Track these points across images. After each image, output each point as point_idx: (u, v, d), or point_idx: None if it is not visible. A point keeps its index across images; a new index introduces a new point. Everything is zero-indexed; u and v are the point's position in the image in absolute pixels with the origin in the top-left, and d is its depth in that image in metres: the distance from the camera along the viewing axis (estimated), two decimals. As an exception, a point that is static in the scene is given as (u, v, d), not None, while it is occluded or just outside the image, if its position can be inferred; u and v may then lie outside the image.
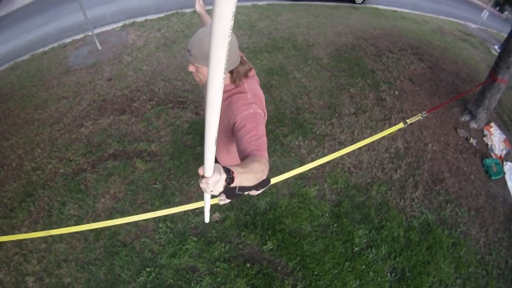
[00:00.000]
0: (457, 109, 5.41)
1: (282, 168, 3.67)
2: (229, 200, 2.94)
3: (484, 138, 5.09)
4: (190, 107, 4.57)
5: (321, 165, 3.78)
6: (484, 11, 10.72)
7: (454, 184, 4.13)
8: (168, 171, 3.66)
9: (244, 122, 1.34)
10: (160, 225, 3.12)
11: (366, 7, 10.41)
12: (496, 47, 10.08)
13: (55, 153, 4.05)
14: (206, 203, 1.38)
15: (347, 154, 4.00)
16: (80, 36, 7.36)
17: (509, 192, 4.47)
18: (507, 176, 4.67)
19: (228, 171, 1.01)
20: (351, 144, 3.64)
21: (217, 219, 3.21)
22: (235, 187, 1.90)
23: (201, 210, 3.22)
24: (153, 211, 3.10)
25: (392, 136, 4.47)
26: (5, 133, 4.61)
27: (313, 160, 3.53)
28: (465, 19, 12.25)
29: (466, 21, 11.94)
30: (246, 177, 1.09)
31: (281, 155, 3.90)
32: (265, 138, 1.33)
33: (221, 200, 2.74)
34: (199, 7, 2.11)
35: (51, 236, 3.03)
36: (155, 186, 3.49)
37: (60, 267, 2.86)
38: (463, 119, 5.26)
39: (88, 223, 3.14)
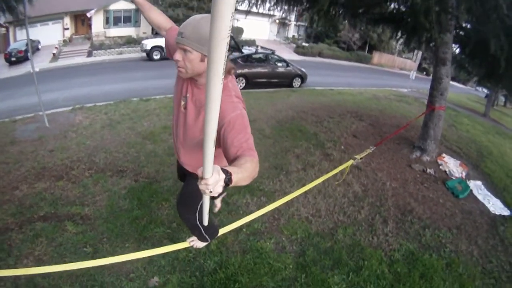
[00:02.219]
0: (406, 149, 5.22)
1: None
2: (204, 243, 2.41)
3: (440, 167, 4.87)
4: (130, 175, 4.05)
5: (274, 218, 3.21)
6: (412, 71, 11.61)
7: (424, 211, 3.71)
8: (101, 234, 2.95)
9: (232, 124, 1.23)
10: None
11: (304, 89, 11.04)
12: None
13: None
14: (205, 205, 1.26)
15: (302, 204, 3.51)
16: (31, 115, 6.97)
17: (483, 204, 4.21)
18: (475, 192, 4.43)
19: (226, 172, 0.95)
20: (303, 196, 3.14)
21: (156, 284, 2.39)
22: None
23: (136, 275, 2.48)
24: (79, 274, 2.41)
25: (347, 182, 4.05)
26: None
27: (262, 211, 2.89)
28: (396, 86, 13.18)
29: (398, 88, 12.83)
30: (242, 177, 1.04)
31: (228, 213, 3.29)
32: (252, 138, 1.25)
33: (192, 242, 2.35)
34: None
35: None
36: (85, 249, 2.75)
37: None
38: (414, 156, 5.03)
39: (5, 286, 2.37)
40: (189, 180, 1.85)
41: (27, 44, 17.27)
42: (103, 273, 2.48)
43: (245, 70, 10.31)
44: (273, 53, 11.58)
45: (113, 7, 21.70)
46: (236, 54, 10.77)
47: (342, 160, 4.70)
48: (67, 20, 21.76)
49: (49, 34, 20.79)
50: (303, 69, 11.64)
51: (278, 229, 3.08)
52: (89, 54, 18.31)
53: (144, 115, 6.66)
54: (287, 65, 11.33)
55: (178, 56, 1.27)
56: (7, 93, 10.65)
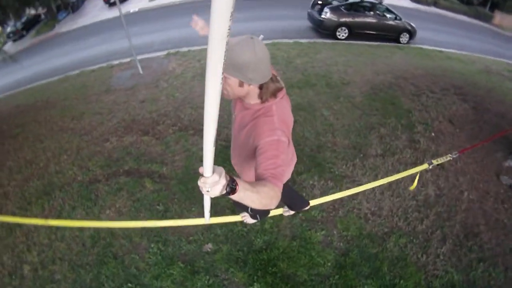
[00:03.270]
0: (501, 153, 4.61)
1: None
2: (254, 220, 2.84)
3: None
4: None
5: (333, 208, 3.30)
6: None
7: (490, 239, 3.32)
8: (173, 194, 3.49)
9: (265, 148, 1.25)
10: (152, 245, 2.92)
11: (411, 47, 9.95)
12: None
13: (78, 161, 4.23)
14: (206, 202, 1.28)
15: (366, 198, 3.47)
16: (127, 60, 7.80)
17: None
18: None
19: (232, 180, 0.98)
20: (372, 183, 3.10)
21: (209, 250, 2.87)
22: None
23: (194, 238, 2.97)
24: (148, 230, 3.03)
25: (422, 182, 3.82)
26: (41, 136, 5.11)
27: (325, 198, 3.03)
28: (515, 59, 11.11)
29: (516, 61, 10.84)
30: (249, 196, 1.03)
31: (291, 192, 3.50)
32: (284, 168, 1.24)
33: (244, 217, 2.74)
34: (201, 31, 1.91)
35: (55, 234, 3.14)
36: (158, 207, 3.33)
37: (54, 264, 2.90)
38: (507, 164, 4.46)
39: (89, 231, 3.13)
40: None
41: None
42: (167, 231, 3.04)
43: (348, 19, 9.78)
44: (380, 2, 10.71)
45: None
46: (339, 0, 10.22)
47: (427, 152, 4.38)
48: None
49: None
50: (412, 24, 10.61)
51: (333, 221, 3.20)
52: None
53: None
54: (396, 18, 10.45)
55: None
56: (105, 37, 11.74)
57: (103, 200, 3.50)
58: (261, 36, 1.28)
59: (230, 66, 1.21)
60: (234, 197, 1.01)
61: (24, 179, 4.12)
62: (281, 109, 1.39)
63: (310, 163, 3.91)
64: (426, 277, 2.82)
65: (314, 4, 10.73)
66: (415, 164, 4.14)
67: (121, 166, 3.99)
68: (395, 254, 2.96)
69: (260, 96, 1.33)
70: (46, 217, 3.41)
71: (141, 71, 6.89)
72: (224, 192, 0.97)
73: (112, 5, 17.76)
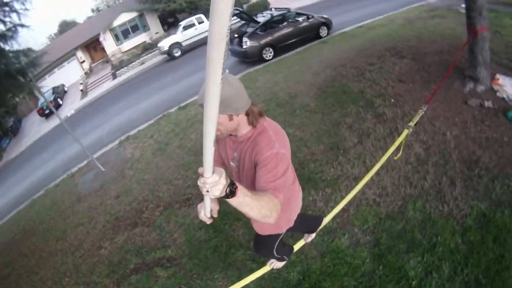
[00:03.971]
0: (457, 82, 4.91)
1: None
2: (283, 263, 2.71)
3: (497, 94, 4.52)
4: (196, 201, 4.40)
5: (343, 210, 3.31)
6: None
7: (491, 157, 3.50)
8: (190, 271, 3.38)
9: (265, 161, 1.31)
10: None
11: (334, 37, 10.49)
12: (463, 5, 9.80)
13: (81, 279, 4.03)
14: (206, 203, 1.26)
15: (367, 185, 3.53)
16: (85, 162, 7.71)
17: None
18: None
19: (232, 183, 1.01)
20: (366, 175, 3.18)
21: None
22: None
23: None
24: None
25: (407, 145, 3.95)
26: (34, 268, 4.79)
27: (333, 208, 3.04)
28: (424, -1, 11.95)
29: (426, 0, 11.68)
30: (249, 203, 1.07)
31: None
32: (284, 179, 1.29)
33: (272, 263, 2.66)
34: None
35: None
36: None
37: None
38: (467, 88, 4.73)
39: None
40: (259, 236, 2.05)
41: (53, 93, 18.70)
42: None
43: (268, 39, 10.21)
44: (288, 10, 11.28)
45: (116, 23, 22.53)
46: (252, 26, 10.71)
47: (396, 118, 4.61)
48: (80, 54, 22.98)
49: (69, 74, 22.36)
50: (325, 16, 11.21)
51: (350, 221, 3.23)
52: (114, 76, 19.41)
53: (188, 125, 7.02)
54: (308, 17, 10.96)
55: None
56: (54, 148, 11.57)
57: None
58: (227, 70, 1.41)
59: (225, 100, 1.26)
60: (233, 201, 1.04)
61: None
62: (271, 123, 1.49)
63: (301, 181, 3.89)
64: (457, 221, 2.89)
65: (231, 40, 11.13)
66: (391, 134, 4.35)
67: (126, 266, 3.83)
68: (419, 219, 3.03)
69: (250, 122, 1.44)
70: None
71: (102, 169, 6.80)
72: (224, 194, 0.99)
73: (48, 115, 18.02)
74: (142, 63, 19.16)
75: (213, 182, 0.94)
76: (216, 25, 0.57)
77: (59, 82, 21.24)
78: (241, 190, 1.04)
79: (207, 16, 16.80)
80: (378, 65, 6.43)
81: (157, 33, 23.18)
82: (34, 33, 6.24)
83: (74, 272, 4.22)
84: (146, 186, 5.35)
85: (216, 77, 0.66)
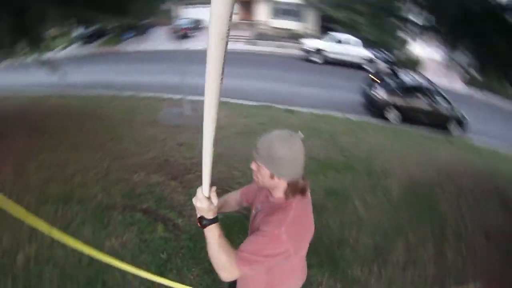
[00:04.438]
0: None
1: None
2: None
3: None
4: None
5: None
6: None
7: None
8: (180, 248, 3.61)
9: (261, 233, 1.27)
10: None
11: (460, 139, 9.82)
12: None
13: (102, 182, 4.64)
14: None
15: None
16: (179, 97, 8.41)
17: None
18: None
19: (216, 218, 1.19)
20: None
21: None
22: None
23: None
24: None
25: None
26: (77, 145, 5.75)
27: None
28: None
29: None
30: (214, 243, 1.17)
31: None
32: (262, 260, 1.23)
33: None
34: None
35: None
36: (161, 255, 3.48)
37: (47, 264, 3.16)
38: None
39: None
40: None
41: (192, 22, 20.44)
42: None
43: (399, 100, 9.95)
44: (432, 84, 10.66)
45: None
46: (395, 80, 10.44)
47: (452, 270, 4.12)
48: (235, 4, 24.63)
49: None
50: (464, 113, 10.39)
51: None
52: (251, 41, 20.58)
53: (282, 127, 7.10)
54: (447, 103, 10.28)
55: (253, 166, 1.39)
56: (166, 67, 12.45)
57: (113, 228, 3.75)
58: (301, 135, 1.38)
59: (266, 158, 1.31)
60: (205, 230, 1.19)
61: (48, 178, 4.60)
62: (301, 208, 1.39)
63: (326, 257, 3.85)
64: None
65: (368, 80, 11.06)
66: (435, 284, 3.90)
67: (141, 202, 4.25)
68: None
69: (286, 192, 1.38)
70: (55, 221, 3.74)
71: (188, 112, 7.52)
72: (203, 221, 1.17)
73: (183, 37, 19.70)
74: (280, 46, 19.77)
75: (201, 207, 1.15)
76: (216, 25, 0.58)
77: (203, 16, 22.77)
78: (215, 230, 1.18)
79: (364, 44, 16.58)
80: (478, 201, 5.75)
81: (310, 29, 23.46)
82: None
83: (102, 174, 4.93)
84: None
85: (216, 78, 0.68)
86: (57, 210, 3.96)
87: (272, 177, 1.33)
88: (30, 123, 7.15)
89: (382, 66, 16.56)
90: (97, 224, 3.80)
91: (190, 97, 8.11)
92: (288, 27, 23.31)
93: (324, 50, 17.01)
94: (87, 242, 3.42)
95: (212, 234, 1.18)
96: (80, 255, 3.25)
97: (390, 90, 10.03)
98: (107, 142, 5.91)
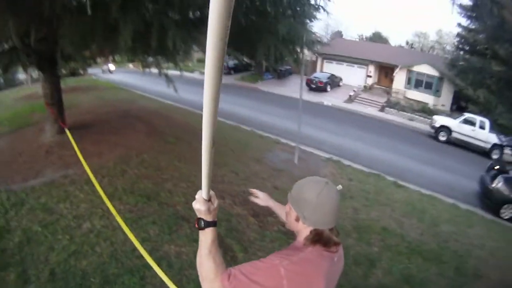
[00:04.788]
0: None
1: None
2: None
3: None
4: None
5: None
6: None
7: None
8: None
9: (262, 258, 1.19)
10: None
11: None
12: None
13: (188, 196, 4.83)
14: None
15: None
16: (293, 144, 8.62)
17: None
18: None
19: (214, 222, 1.14)
20: None
21: None
22: None
23: None
24: None
25: None
26: (183, 157, 6.51)
27: None
28: None
29: None
30: (205, 247, 1.13)
31: None
32: (244, 282, 1.09)
33: None
34: (262, 202, 1.92)
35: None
36: None
37: None
38: None
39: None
40: None
41: (328, 78, 21.48)
42: None
43: None
44: None
45: (416, 68, 22.45)
46: None
47: None
48: (371, 68, 24.62)
49: (353, 75, 24.64)
50: None
51: None
52: (382, 108, 20.00)
53: (381, 203, 6.42)
54: None
55: (287, 207, 1.36)
56: (291, 114, 12.42)
57: (177, 237, 3.91)
58: (339, 187, 1.29)
59: (295, 199, 1.27)
60: (200, 233, 1.14)
61: (144, 175, 5.27)
62: (317, 258, 1.24)
63: None
64: None
65: (489, 168, 9.44)
66: None
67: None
68: None
69: (307, 238, 1.26)
70: (131, 211, 4.19)
71: (296, 161, 7.52)
72: (201, 222, 1.12)
73: (311, 89, 20.85)
74: (411, 119, 18.66)
75: (199, 209, 1.10)
76: (215, 25, 0.57)
77: (340, 74, 23.81)
78: (206, 233, 1.13)
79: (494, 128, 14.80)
80: None
81: (443, 105, 21.68)
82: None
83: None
84: None
85: (215, 78, 0.67)
86: (137, 203, 4.35)
87: (297, 220, 1.28)
88: (153, 126, 8.31)
89: (510, 155, 14.04)
90: (165, 228, 3.99)
91: (303, 147, 8.11)
92: (422, 100, 22.19)
93: (450, 129, 15.43)
94: (148, 239, 3.73)
95: (206, 238, 1.14)
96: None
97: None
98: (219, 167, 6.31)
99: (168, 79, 6.84)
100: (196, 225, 1.14)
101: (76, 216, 4.01)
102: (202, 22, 5.56)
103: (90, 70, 20.62)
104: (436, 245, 5.31)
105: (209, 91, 0.70)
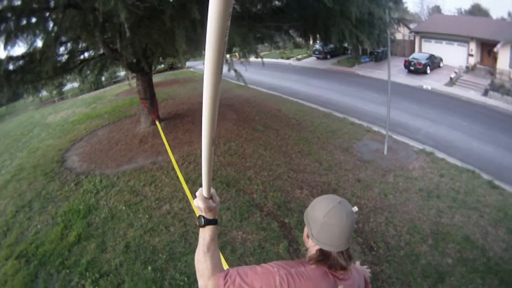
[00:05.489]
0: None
1: None
2: None
3: None
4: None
5: None
6: None
7: None
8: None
9: (261, 264, 1.23)
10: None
11: None
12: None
13: (267, 185, 5.28)
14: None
15: None
16: (383, 131, 8.06)
17: None
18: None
19: (215, 220, 1.14)
20: None
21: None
22: None
23: None
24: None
25: None
26: (269, 144, 6.88)
27: None
28: None
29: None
30: (204, 244, 1.15)
31: None
32: (239, 283, 1.13)
33: None
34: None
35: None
36: None
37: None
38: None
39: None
40: None
41: (427, 58, 19.00)
42: None
43: None
44: None
45: None
46: None
47: None
48: (473, 46, 20.59)
49: (453, 55, 20.84)
50: None
51: None
52: (485, 92, 16.77)
53: (469, 206, 5.60)
54: None
55: (305, 229, 1.35)
56: (381, 100, 11.70)
57: (247, 224, 4.23)
58: (355, 208, 1.25)
59: (308, 216, 1.27)
60: (200, 230, 1.16)
61: (229, 162, 5.74)
62: (318, 278, 1.21)
63: None
64: None
65: None
66: None
67: (285, 216, 4.58)
68: None
69: (312, 257, 1.25)
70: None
71: (385, 152, 7.08)
72: (201, 219, 1.13)
73: (410, 72, 18.76)
74: None
75: (198, 207, 1.11)
76: (216, 25, 0.58)
77: (440, 54, 20.86)
78: (206, 230, 1.14)
79: None
80: None
81: None
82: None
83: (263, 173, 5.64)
84: (378, 203, 5.27)
85: (215, 79, 0.67)
86: (217, 189, 4.83)
87: (308, 236, 1.27)
88: (243, 113, 8.76)
89: None
90: (237, 215, 4.39)
91: (395, 136, 7.59)
92: None
93: None
94: (218, 224, 4.07)
95: (205, 235, 1.16)
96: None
97: None
98: (295, 152, 6.53)
99: (238, 74, 6.90)
100: (197, 222, 1.17)
101: (158, 198, 4.67)
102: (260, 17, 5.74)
103: (188, 63, 22.26)
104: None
105: (208, 90, 0.71)
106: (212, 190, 1.14)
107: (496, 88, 17.19)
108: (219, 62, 0.65)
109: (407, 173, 6.39)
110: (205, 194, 1.12)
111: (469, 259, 4.37)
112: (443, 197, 5.64)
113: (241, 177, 5.30)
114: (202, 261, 1.16)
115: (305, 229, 1.29)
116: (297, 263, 1.24)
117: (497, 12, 42.42)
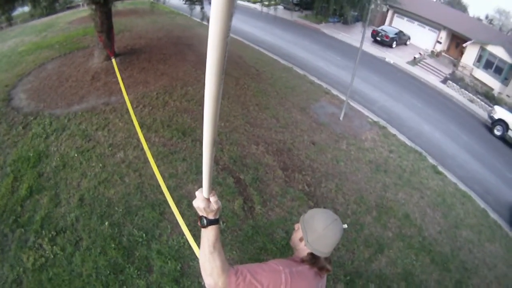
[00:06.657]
0: None
1: None
2: None
3: None
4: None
5: None
6: None
7: None
8: (239, 230, 3.77)
9: (265, 261, 1.38)
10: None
11: None
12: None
13: (224, 136, 5.24)
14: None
15: None
16: (342, 97, 8.33)
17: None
18: None
19: (217, 220, 1.14)
20: None
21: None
22: None
23: None
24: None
25: None
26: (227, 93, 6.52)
27: None
28: None
29: None
30: (209, 245, 1.16)
31: None
32: (249, 280, 1.22)
33: None
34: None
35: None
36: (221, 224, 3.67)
37: None
38: None
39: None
40: None
41: (396, 34, 19.64)
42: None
43: None
44: None
45: (490, 48, 19.84)
46: None
47: None
48: (443, 34, 22.18)
49: (422, 37, 22.27)
50: None
51: None
52: (444, 80, 18.18)
53: (412, 185, 6.11)
54: None
55: (296, 226, 1.56)
56: (349, 64, 11.64)
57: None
58: (345, 226, 1.48)
59: (305, 223, 1.47)
60: (202, 230, 1.16)
61: (183, 109, 5.51)
62: (308, 278, 1.41)
63: None
64: None
65: None
66: None
67: (240, 171, 4.62)
68: None
69: (304, 259, 1.45)
70: (164, 145, 4.54)
71: (341, 118, 7.31)
72: (203, 220, 1.13)
73: (376, 42, 19.45)
74: (471, 101, 16.81)
75: (198, 208, 1.11)
76: (216, 25, 0.59)
77: (409, 32, 22.13)
78: (209, 231, 1.14)
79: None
80: None
81: (508, 96, 18.66)
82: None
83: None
84: (330, 168, 5.51)
85: (216, 77, 0.68)
86: (172, 137, 4.72)
87: (301, 240, 1.47)
88: (203, 56, 8.14)
89: None
90: (193, 167, 4.32)
91: (352, 103, 7.82)
92: (488, 84, 19.83)
93: (508, 125, 13.29)
94: (174, 175, 4.05)
95: (209, 236, 1.17)
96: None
97: None
98: (252, 104, 6.48)
99: (203, 13, 6.82)
100: (199, 223, 1.18)
101: (111, 144, 4.43)
102: None
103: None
104: (449, 249, 5.16)
105: (210, 90, 0.71)
106: (212, 191, 1.15)
107: (456, 79, 18.47)
108: (221, 63, 0.65)
109: (360, 143, 6.73)
110: (205, 195, 1.13)
111: (407, 235, 4.88)
112: (390, 173, 6.10)
113: (197, 126, 5.10)
114: (210, 261, 1.19)
115: (296, 233, 1.51)
116: (294, 262, 1.43)
117: (474, 10, 44.66)
